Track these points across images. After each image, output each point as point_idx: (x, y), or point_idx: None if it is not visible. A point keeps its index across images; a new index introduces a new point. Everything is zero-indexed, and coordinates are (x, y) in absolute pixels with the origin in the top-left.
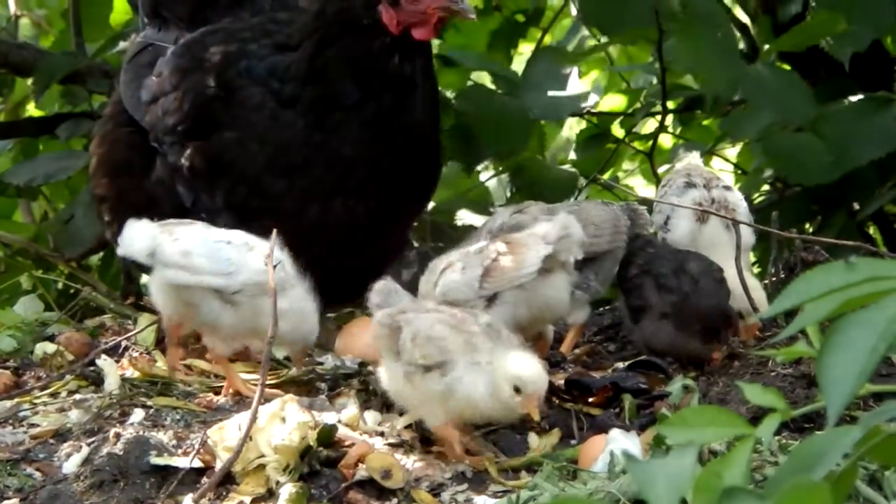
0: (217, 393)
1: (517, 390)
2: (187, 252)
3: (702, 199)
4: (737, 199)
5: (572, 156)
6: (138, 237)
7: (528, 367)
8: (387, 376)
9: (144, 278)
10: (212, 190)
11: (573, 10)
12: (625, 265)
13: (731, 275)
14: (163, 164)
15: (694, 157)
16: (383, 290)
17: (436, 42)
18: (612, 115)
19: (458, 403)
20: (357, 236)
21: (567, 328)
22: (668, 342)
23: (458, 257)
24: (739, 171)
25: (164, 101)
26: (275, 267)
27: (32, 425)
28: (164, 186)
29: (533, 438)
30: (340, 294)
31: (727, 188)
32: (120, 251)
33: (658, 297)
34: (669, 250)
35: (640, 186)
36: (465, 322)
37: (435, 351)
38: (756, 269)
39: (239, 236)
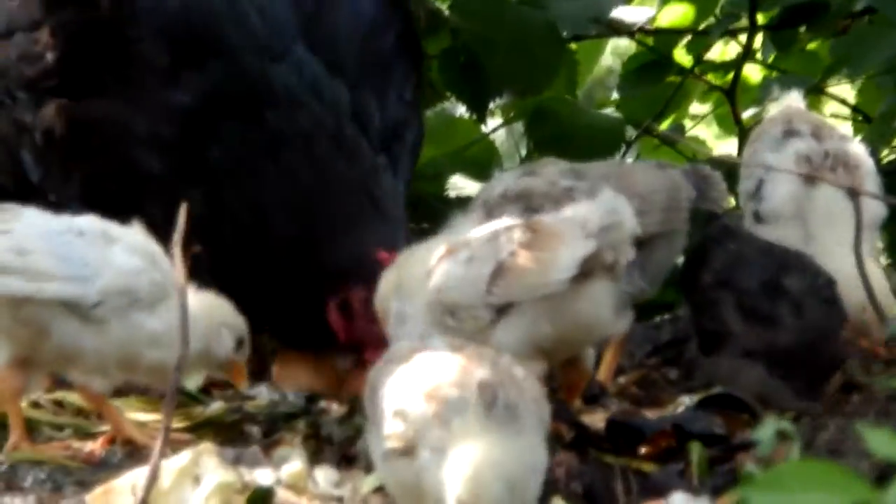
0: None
1: None
2: (23, 249)
3: (810, 151)
4: (860, 152)
5: (616, 95)
6: None
7: (459, 472)
8: (370, 447)
9: None
10: (71, 166)
11: None
12: (695, 266)
13: (850, 262)
14: (7, 121)
15: (794, 100)
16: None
17: None
18: (674, 34)
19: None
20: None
21: (603, 344)
22: (753, 388)
23: (463, 243)
24: (860, 118)
25: (22, 38)
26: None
27: None
28: (6, 151)
29: None
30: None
31: (845, 139)
32: None
33: (741, 324)
34: (760, 248)
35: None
36: (450, 383)
37: (402, 429)
38: (885, 259)
39: (93, 224)
